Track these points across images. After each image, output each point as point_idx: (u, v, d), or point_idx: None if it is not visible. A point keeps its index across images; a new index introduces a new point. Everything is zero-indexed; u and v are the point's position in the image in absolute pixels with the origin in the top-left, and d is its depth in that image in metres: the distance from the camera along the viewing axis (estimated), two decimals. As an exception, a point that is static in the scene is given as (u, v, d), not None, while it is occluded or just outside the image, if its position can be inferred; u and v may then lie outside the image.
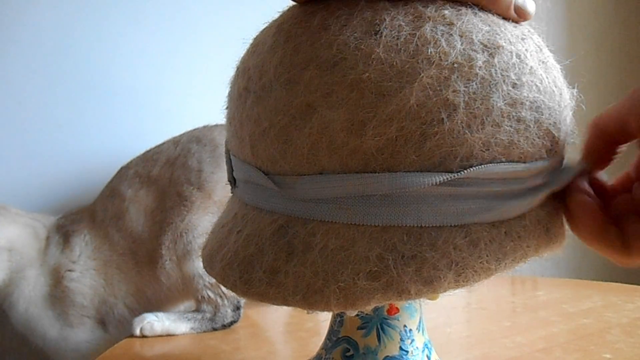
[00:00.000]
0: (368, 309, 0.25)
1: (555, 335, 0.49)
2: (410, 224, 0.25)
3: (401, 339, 0.34)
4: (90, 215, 0.65)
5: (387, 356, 0.34)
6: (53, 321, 0.61)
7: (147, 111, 0.77)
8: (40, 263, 0.61)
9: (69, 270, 0.61)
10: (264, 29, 0.32)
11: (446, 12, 0.27)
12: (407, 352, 0.34)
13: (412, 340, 0.35)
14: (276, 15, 0.34)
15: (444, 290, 0.25)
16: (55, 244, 0.63)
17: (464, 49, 0.26)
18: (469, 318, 0.58)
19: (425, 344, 0.36)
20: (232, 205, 0.35)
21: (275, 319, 0.63)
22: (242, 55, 0.34)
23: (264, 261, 0.28)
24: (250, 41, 0.34)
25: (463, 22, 0.26)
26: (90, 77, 0.74)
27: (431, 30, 0.26)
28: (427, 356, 0.36)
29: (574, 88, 0.31)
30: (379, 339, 0.34)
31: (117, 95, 0.75)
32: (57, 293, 0.61)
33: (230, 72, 0.36)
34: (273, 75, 0.28)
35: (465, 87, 0.25)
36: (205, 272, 0.36)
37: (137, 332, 0.57)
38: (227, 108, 0.35)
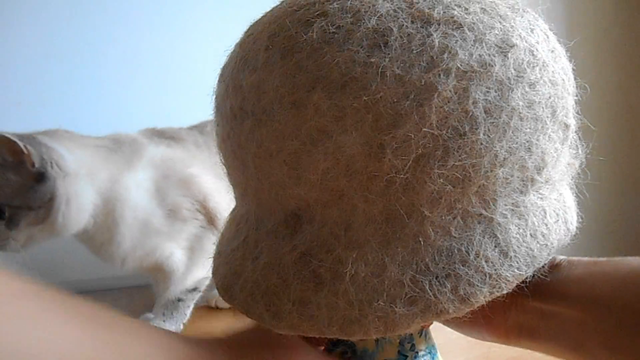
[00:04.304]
0: (409, 332, 0.25)
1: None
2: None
3: (400, 343, 0.33)
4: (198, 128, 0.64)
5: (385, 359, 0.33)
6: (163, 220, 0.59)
7: (145, 111, 0.75)
8: (137, 165, 0.59)
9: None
10: (250, 39, 0.29)
11: (455, 12, 0.25)
12: (405, 356, 0.33)
13: (412, 345, 0.34)
14: (257, 18, 0.31)
15: (480, 304, 0.25)
16: (157, 143, 0.61)
17: (480, 55, 0.24)
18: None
19: (429, 349, 0.35)
20: (239, 225, 0.33)
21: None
22: (225, 65, 0.31)
23: (291, 292, 0.27)
24: (233, 49, 0.31)
25: (474, 22, 0.25)
26: (87, 77, 0.72)
27: (443, 36, 0.24)
28: None
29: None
30: (376, 343, 0.33)
31: (114, 94, 0.74)
32: (164, 183, 0.58)
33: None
34: (274, 98, 0.26)
35: (485, 95, 0.24)
36: None
37: None
38: (217, 125, 0.32)
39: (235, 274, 0.31)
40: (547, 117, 0.26)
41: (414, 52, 0.24)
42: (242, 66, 0.28)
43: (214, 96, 0.32)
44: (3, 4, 0.68)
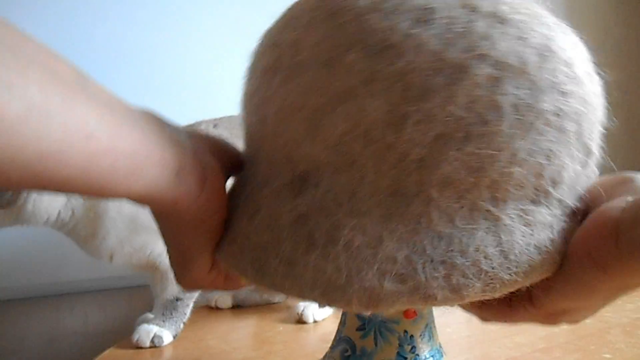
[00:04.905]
0: (391, 311, 0.24)
1: (555, 335, 0.49)
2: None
3: (400, 345, 0.33)
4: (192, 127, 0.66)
5: None
6: None
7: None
8: None
9: None
10: (298, 3, 0.30)
11: (504, 7, 0.25)
12: (405, 358, 0.33)
13: (413, 347, 0.33)
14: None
15: (470, 299, 0.24)
16: None
17: (518, 51, 0.24)
18: (469, 318, 0.57)
19: (432, 354, 0.34)
20: (244, 185, 0.33)
21: (275, 318, 0.62)
22: (268, 28, 0.32)
23: (281, 250, 0.26)
24: (279, 15, 0.32)
25: (520, 21, 0.25)
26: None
27: (487, 26, 0.24)
28: None
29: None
30: (375, 342, 0.33)
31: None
32: None
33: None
34: (310, 54, 0.26)
35: (515, 90, 0.24)
36: None
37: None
38: (247, 81, 0.33)
39: (228, 228, 0.30)
40: (572, 132, 0.26)
41: (455, 32, 0.24)
42: (286, 26, 0.29)
43: (251, 54, 0.33)
44: (3, 4, 0.68)
